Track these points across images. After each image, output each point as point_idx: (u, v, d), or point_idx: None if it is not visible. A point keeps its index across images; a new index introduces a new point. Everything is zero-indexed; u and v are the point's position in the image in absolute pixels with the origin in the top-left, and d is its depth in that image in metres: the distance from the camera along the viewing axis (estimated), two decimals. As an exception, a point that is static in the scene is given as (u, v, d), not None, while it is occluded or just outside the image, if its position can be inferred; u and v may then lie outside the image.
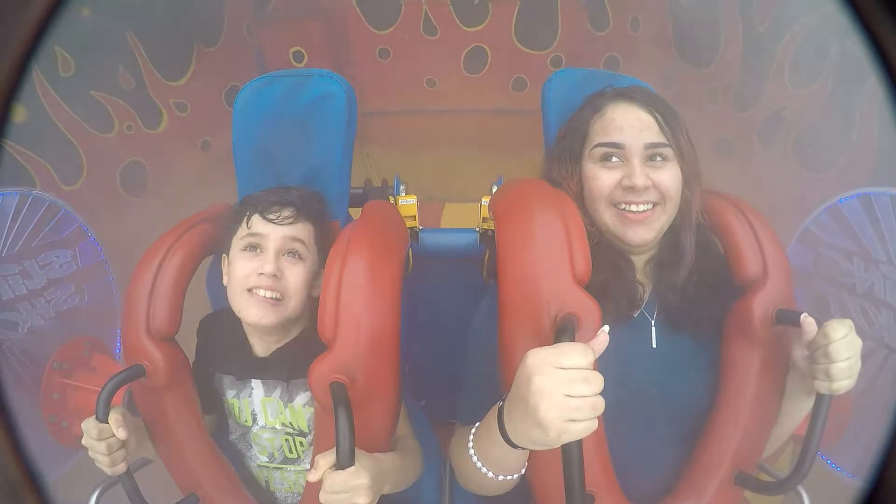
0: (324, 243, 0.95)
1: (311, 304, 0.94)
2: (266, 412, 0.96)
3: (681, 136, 0.85)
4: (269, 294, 0.88)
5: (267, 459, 0.99)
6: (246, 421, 0.98)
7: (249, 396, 0.97)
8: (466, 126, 2.63)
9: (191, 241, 0.97)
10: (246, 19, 2.36)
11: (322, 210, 0.99)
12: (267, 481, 1.01)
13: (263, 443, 0.98)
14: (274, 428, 0.97)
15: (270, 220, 0.91)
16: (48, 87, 1.43)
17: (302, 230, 0.92)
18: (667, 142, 0.84)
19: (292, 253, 0.91)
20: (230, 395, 0.99)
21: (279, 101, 1.03)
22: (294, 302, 0.90)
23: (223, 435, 1.02)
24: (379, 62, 2.56)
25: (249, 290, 0.89)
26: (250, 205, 0.93)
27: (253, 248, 0.91)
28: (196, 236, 0.98)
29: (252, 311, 0.88)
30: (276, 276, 0.88)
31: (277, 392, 0.96)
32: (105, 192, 1.64)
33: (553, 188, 0.88)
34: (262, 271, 0.88)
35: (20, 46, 0.46)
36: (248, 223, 0.92)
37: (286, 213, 0.91)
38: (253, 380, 0.97)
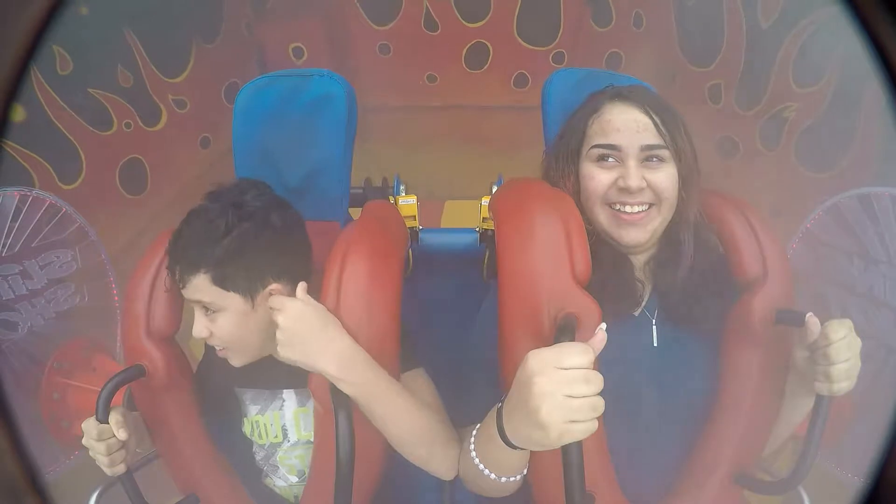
0: (241, 272, 0.82)
1: None
2: (299, 425, 0.93)
3: (679, 137, 0.85)
4: (218, 348, 0.88)
5: (298, 480, 0.96)
6: (275, 437, 0.94)
7: (280, 409, 0.94)
8: (467, 122, 2.61)
9: None
10: (245, 15, 2.35)
11: (216, 237, 0.81)
12: (297, 497, 0.97)
13: (293, 461, 0.94)
14: (308, 442, 0.92)
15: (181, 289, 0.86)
16: (46, 85, 1.43)
17: (197, 288, 0.83)
18: (663, 143, 0.84)
19: (206, 311, 0.85)
20: (253, 412, 0.94)
21: (279, 101, 1.03)
22: (240, 343, 0.86)
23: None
24: (379, 57, 2.55)
25: None
26: None
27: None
28: None
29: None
30: (206, 337, 0.86)
31: (311, 401, 0.89)
32: (105, 191, 1.64)
33: (553, 188, 0.88)
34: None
35: (20, 46, 0.46)
36: None
37: (176, 278, 0.85)
38: (285, 390, 0.93)
